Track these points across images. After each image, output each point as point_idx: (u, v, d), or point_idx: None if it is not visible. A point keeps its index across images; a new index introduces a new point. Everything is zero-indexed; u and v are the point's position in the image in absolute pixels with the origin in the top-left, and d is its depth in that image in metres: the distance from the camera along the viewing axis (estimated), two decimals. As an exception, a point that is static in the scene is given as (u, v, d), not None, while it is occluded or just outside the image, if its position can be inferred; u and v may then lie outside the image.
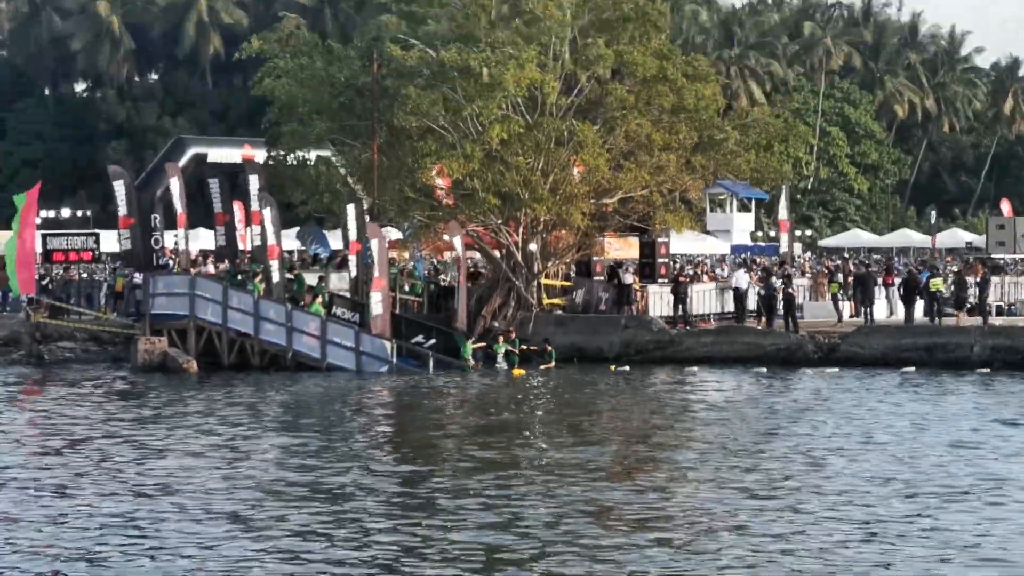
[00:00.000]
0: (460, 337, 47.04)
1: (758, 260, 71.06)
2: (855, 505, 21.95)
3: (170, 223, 51.79)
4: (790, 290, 49.68)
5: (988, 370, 43.82)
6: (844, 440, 29.13)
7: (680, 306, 51.12)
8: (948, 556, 18.61)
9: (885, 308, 53.50)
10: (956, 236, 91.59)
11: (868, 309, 50.39)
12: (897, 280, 54.55)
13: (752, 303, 51.97)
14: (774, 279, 50.50)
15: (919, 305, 49.18)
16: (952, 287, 50.09)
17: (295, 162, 52.51)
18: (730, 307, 52.67)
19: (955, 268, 55.60)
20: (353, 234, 49.97)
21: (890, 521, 20.76)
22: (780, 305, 49.49)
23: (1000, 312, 50.76)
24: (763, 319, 49.67)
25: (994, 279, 51.92)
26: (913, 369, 44.00)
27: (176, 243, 53.75)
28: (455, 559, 18.37)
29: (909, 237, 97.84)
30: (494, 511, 21.37)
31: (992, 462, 26.29)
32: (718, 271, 61.52)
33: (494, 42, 48.93)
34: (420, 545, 19.23)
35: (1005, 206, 66.93)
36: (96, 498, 22.86)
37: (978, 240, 74.58)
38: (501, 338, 47.57)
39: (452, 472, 25.37)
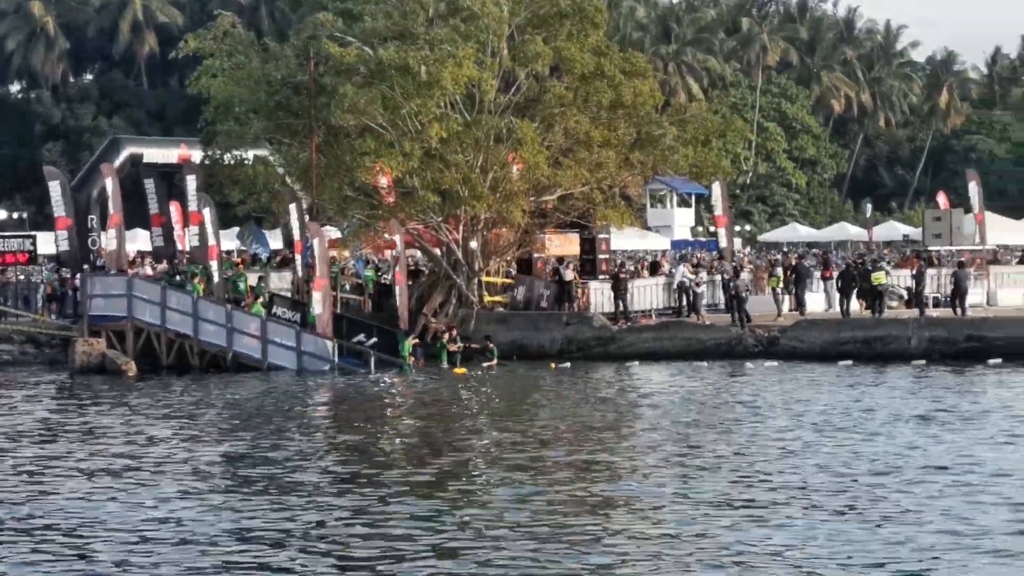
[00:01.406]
0: (401, 335, 46.96)
1: (698, 255, 71.34)
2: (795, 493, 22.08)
3: (106, 224, 51.44)
4: (738, 284, 49.97)
5: (925, 362, 44.17)
6: (783, 431, 29.31)
7: (620, 302, 51.22)
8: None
9: (823, 301, 53.80)
10: (893, 229, 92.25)
11: (800, 297, 51.10)
12: (835, 273, 54.92)
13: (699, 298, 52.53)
14: (700, 274, 50.99)
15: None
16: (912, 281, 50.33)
17: (232, 161, 52.24)
18: (671, 303, 52.96)
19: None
20: (296, 233, 49.80)
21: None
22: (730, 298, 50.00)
23: (937, 304, 51.10)
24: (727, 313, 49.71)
25: (930, 271, 52.26)
26: (851, 362, 44.29)
27: (107, 243, 53.35)
28: (396, 559, 18.31)
29: (846, 230, 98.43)
30: (438, 510, 21.30)
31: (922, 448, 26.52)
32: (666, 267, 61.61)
33: (432, 40, 48.84)
34: (363, 546, 19.17)
35: (941, 199, 67.24)
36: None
37: (915, 233, 75.09)
38: (446, 336, 47.49)
39: (393, 472, 25.27)
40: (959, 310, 48.26)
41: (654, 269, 57.98)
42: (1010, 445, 27.29)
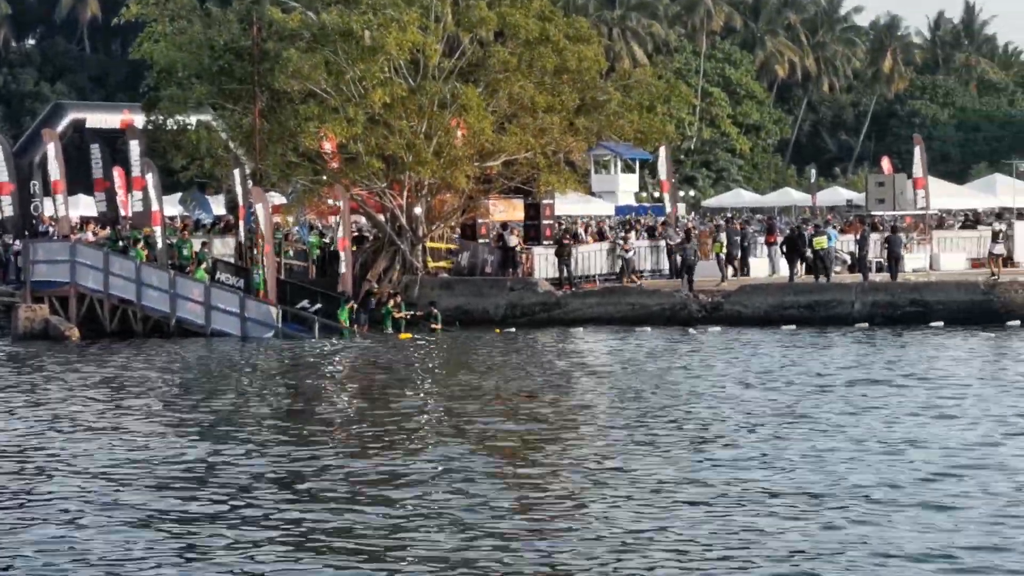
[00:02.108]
0: (342, 301, 46.86)
1: (642, 220, 71.45)
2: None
3: (49, 189, 51.15)
4: (687, 248, 50.25)
5: (867, 325, 44.55)
6: (719, 392, 29.49)
7: (564, 268, 51.33)
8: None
9: (767, 267, 54.10)
10: (837, 194, 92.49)
11: (743, 262, 51.63)
12: (780, 239, 55.22)
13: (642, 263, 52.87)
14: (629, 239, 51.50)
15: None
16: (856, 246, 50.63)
17: (175, 127, 51.93)
18: (616, 268, 53.30)
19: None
20: (240, 199, 49.61)
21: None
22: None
23: (880, 268, 51.42)
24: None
25: (874, 236, 52.58)
26: (794, 327, 44.56)
27: (49, 209, 53.04)
28: (335, 531, 18.29)
29: (790, 196, 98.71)
30: (383, 478, 21.31)
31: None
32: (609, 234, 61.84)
33: (375, 4, 48.68)
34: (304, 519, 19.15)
35: (885, 164, 67.60)
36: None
37: (858, 198, 75.39)
38: (391, 302, 47.45)
39: (337, 441, 25.24)
40: (893, 274, 48.56)
41: (601, 236, 58.27)
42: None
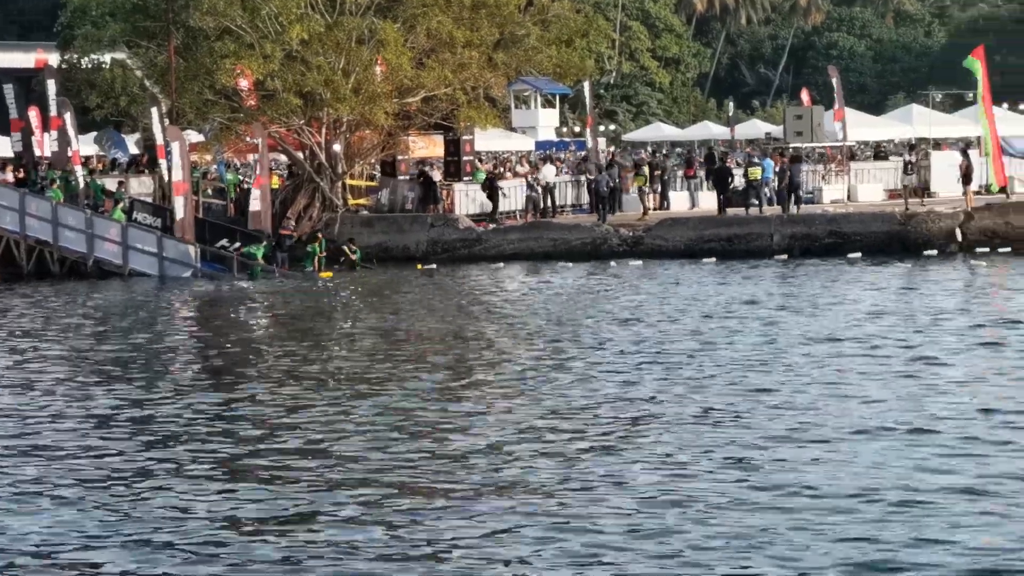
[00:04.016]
0: (261, 240, 46.60)
1: (563, 155, 71.49)
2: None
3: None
4: (599, 179, 50.36)
5: (786, 257, 44.90)
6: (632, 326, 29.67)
7: (492, 203, 51.32)
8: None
9: (687, 200, 54.28)
10: (755, 127, 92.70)
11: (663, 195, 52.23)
12: (701, 172, 55.45)
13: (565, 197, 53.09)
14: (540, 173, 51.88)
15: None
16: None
17: (90, 66, 51.45)
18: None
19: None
20: (158, 138, 49.17)
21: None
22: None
23: (798, 201, 51.68)
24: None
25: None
26: (714, 260, 44.80)
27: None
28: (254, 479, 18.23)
29: (709, 129, 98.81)
30: (307, 425, 21.27)
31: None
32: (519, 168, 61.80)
33: (291, -61, 48.23)
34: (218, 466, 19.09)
35: (804, 96, 67.80)
36: None
37: (777, 130, 75.63)
38: (318, 240, 47.18)
39: (259, 385, 25.05)
40: (792, 204, 48.85)
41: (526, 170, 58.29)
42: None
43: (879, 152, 64.36)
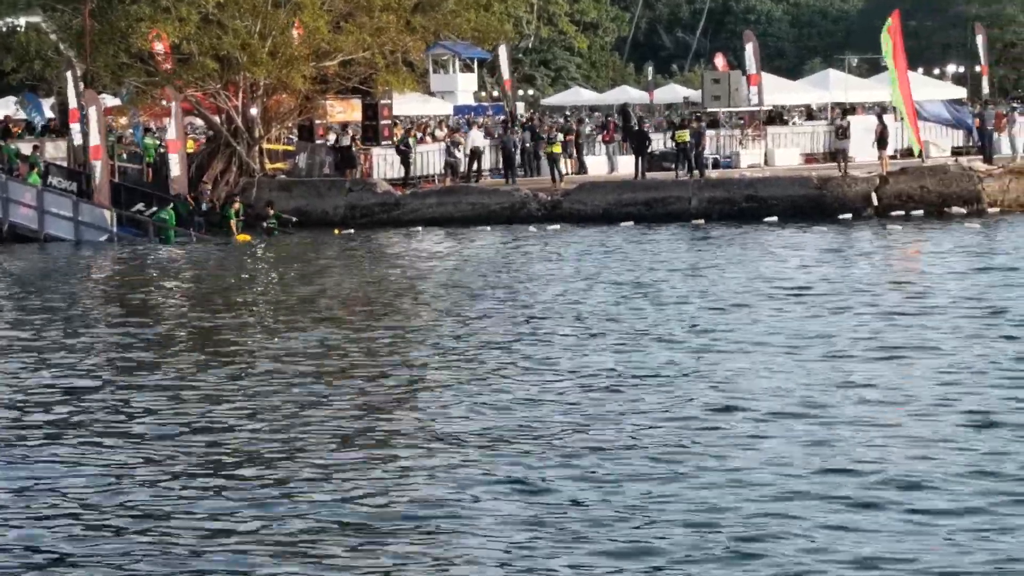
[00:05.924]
0: (175, 204, 46.29)
1: (481, 120, 71.38)
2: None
3: None
4: (506, 140, 50.63)
5: (703, 221, 45.14)
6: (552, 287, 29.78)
7: (405, 168, 51.20)
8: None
9: (605, 165, 54.44)
10: (674, 92, 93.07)
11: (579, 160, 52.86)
12: (618, 136, 55.59)
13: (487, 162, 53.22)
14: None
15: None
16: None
17: (4, 29, 50.92)
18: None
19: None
20: (73, 102, 48.70)
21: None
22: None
23: (716, 165, 51.97)
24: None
25: (709, 132, 53.04)
26: (632, 223, 44.95)
27: None
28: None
29: (628, 94, 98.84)
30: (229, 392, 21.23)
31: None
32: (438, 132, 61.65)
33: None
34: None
35: (720, 61, 68.03)
36: None
37: (694, 95, 75.87)
38: (234, 205, 46.88)
39: (181, 357, 25.00)
40: (690, 167, 49.19)
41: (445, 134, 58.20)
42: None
43: (811, 115, 65.21)
